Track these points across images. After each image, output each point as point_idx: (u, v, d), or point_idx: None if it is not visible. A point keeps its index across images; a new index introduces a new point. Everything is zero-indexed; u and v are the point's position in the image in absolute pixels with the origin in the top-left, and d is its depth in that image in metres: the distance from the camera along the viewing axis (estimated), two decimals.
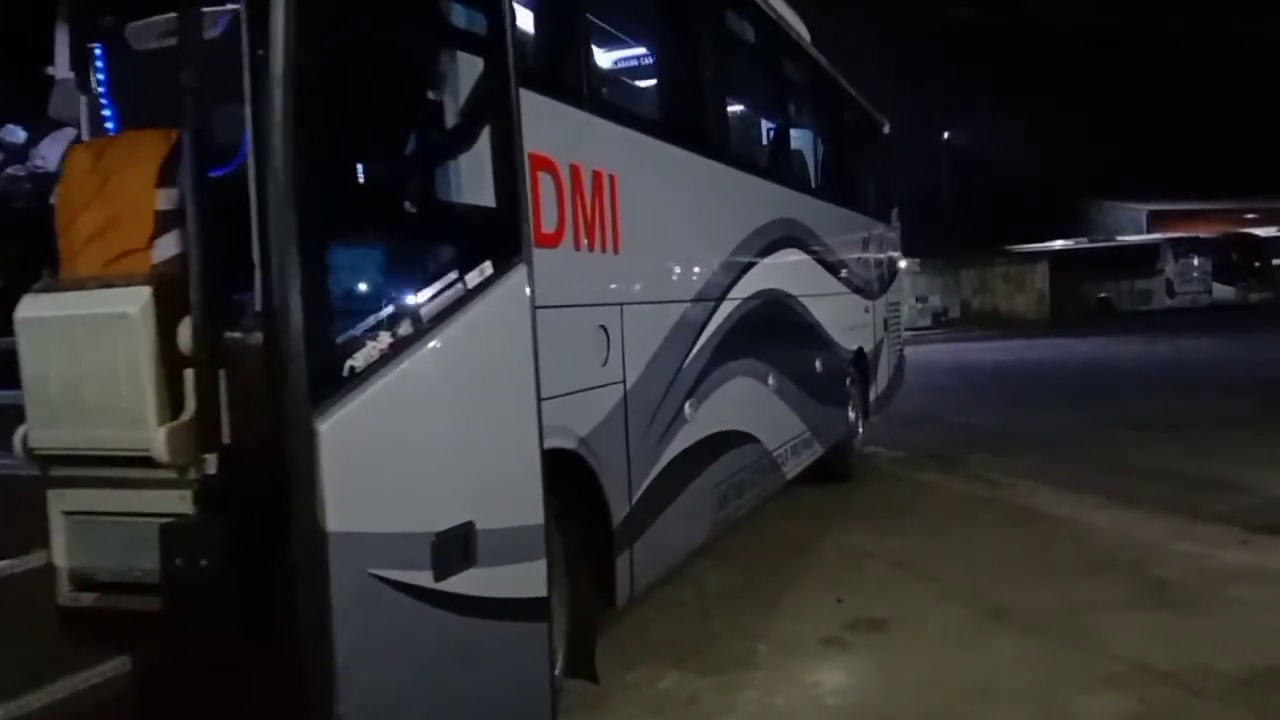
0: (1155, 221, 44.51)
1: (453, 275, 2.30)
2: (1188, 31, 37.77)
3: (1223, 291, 35.85)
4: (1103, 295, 37.25)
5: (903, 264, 12.20)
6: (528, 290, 2.54)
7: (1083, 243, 40.49)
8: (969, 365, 19.34)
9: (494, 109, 2.52)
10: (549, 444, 3.02)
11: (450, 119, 2.45)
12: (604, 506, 3.43)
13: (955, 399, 13.51)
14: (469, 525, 2.31)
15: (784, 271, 5.87)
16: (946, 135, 44.88)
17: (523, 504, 2.52)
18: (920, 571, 5.29)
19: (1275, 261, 37.44)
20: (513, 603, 2.49)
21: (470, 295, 2.35)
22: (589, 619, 3.54)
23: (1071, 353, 21.10)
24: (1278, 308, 32.51)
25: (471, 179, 2.46)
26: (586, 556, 3.49)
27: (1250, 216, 43.88)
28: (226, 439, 2.24)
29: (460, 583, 2.28)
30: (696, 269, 4.44)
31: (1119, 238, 40.72)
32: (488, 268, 2.41)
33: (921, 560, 5.50)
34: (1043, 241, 40.57)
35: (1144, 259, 36.81)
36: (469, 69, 2.49)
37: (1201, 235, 38.18)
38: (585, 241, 3.31)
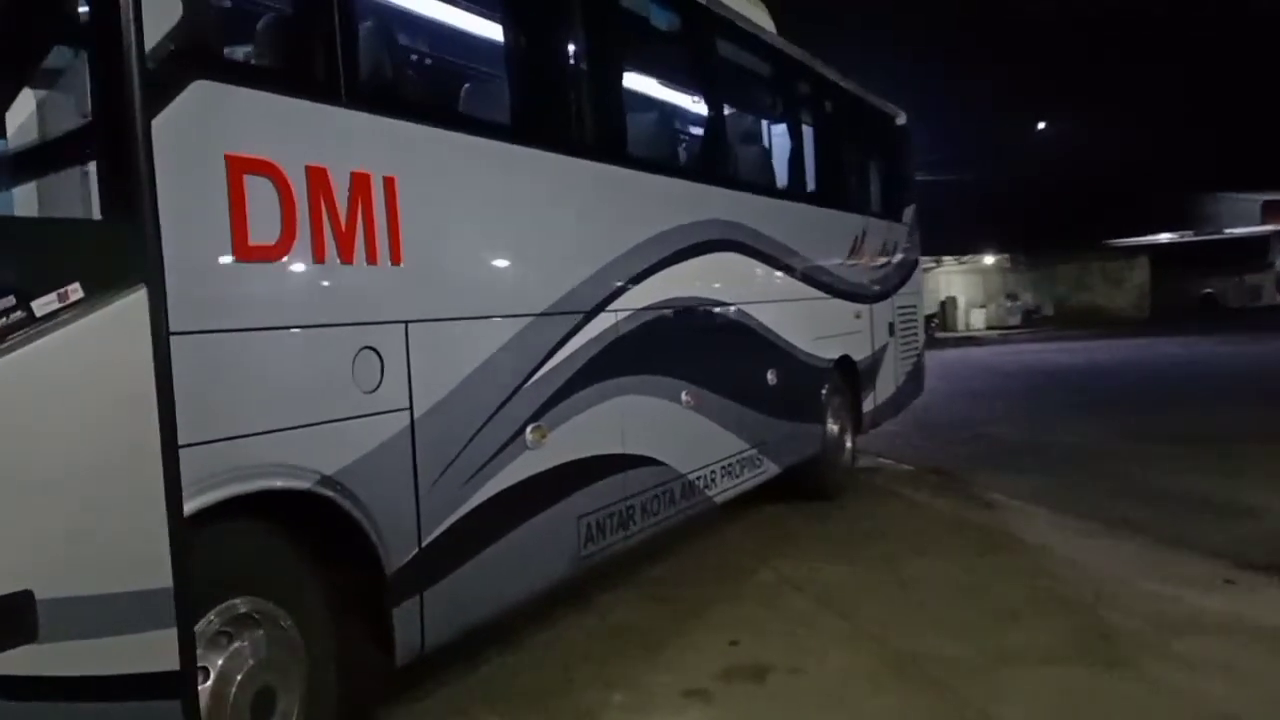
0: (1270, 212, 41.69)
1: (4, 302, 1.96)
2: None
3: None
4: (1207, 291, 35.22)
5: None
6: (147, 317, 2.17)
7: (1188, 235, 38.34)
8: (1035, 368, 18.35)
9: (98, 102, 2.16)
10: (267, 485, 2.71)
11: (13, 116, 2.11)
12: (372, 552, 3.06)
13: (997, 406, 12.74)
14: (22, 596, 1.97)
15: (714, 278, 5.39)
16: (1041, 125, 43.12)
17: (131, 566, 2.15)
18: (844, 609, 4.76)
19: None
20: (116, 681, 2.13)
21: (38, 325, 2.00)
22: (366, 674, 3.19)
23: (1153, 354, 19.85)
24: None
25: (48, 188, 2.12)
26: (358, 606, 3.13)
27: None
28: None
29: (8, 663, 1.94)
30: (544, 280, 3.99)
31: (1227, 230, 38.37)
32: (74, 291, 2.06)
33: (854, 595, 4.97)
34: (1146, 235, 38.57)
35: (1253, 252, 34.70)
36: (52, 54, 2.15)
37: None
38: (334, 253, 2.93)
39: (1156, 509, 6.42)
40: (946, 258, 41.57)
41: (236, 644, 2.70)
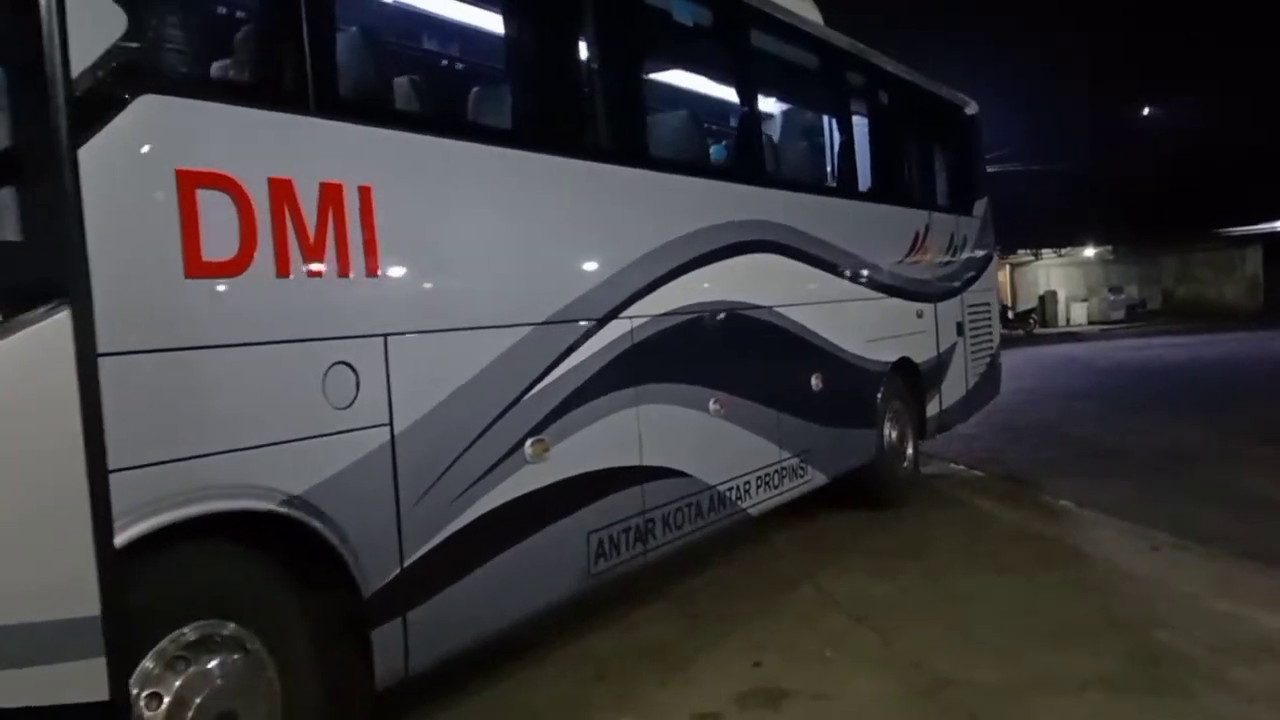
0: None
1: None
2: None
3: None
4: None
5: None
6: (71, 339, 2.11)
7: None
8: (1132, 366, 17.51)
9: (18, 120, 2.10)
10: (221, 507, 2.63)
11: None
12: (348, 573, 2.97)
13: (1086, 406, 12.19)
14: None
15: (748, 281, 5.18)
16: (1145, 111, 41.42)
17: (56, 595, 2.10)
18: (883, 629, 4.52)
19: None
20: (41, 713, 2.08)
21: None
22: (354, 695, 3.11)
23: (1262, 350, 18.78)
24: None
25: None
26: (340, 628, 3.06)
27: None
28: None
29: None
30: (543, 288, 3.82)
31: None
32: None
33: (896, 614, 4.72)
34: (1258, 223, 36.65)
35: None
36: None
37: None
38: (300, 267, 2.85)
39: (1242, 519, 6.00)
40: (1045, 250, 40.30)
41: (194, 669, 2.64)
